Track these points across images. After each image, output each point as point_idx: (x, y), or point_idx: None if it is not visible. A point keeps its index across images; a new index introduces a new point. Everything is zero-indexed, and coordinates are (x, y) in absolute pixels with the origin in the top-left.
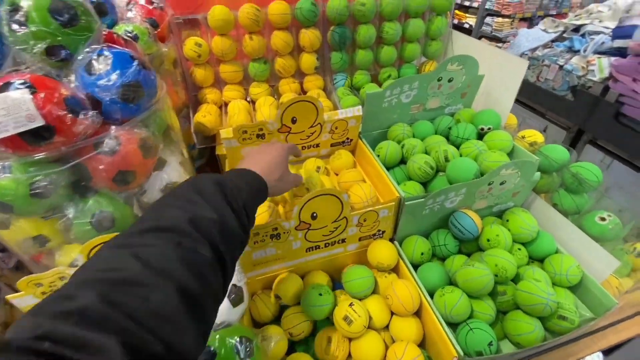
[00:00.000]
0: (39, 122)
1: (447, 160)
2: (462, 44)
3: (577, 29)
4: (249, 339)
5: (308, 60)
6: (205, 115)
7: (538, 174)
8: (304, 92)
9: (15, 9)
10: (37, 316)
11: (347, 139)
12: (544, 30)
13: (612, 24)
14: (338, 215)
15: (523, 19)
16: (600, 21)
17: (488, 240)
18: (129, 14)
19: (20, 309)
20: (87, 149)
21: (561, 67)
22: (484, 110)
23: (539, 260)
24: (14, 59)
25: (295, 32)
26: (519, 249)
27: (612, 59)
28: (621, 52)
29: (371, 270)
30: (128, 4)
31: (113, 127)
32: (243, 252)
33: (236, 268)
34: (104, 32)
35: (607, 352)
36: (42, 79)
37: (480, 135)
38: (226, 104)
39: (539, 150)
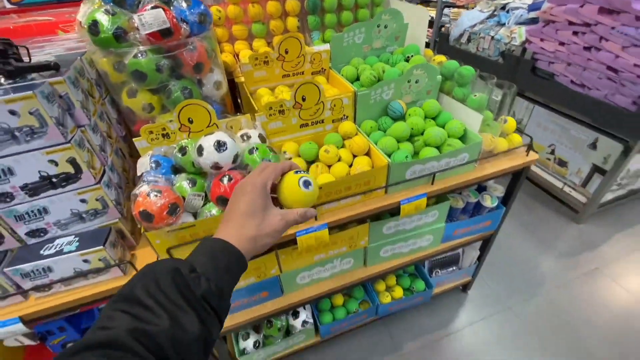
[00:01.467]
0: (167, 25)
1: (384, 72)
2: (397, 6)
3: (503, 7)
4: (273, 147)
5: (292, 22)
6: (226, 56)
7: (440, 77)
8: None
9: None
10: None
11: (322, 69)
12: (480, 11)
13: (529, 1)
14: (318, 99)
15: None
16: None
17: (409, 114)
18: None
19: (138, 150)
20: (182, 46)
21: (492, 37)
22: (408, 45)
23: (442, 127)
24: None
25: (282, 1)
26: (430, 120)
27: (527, 26)
28: (535, 22)
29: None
30: None
31: (194, 36)
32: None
33: (260, 125)
34: None
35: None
36: (163, 7)
37: (407, 61)
38: (237, 54)
39: (442, 65)
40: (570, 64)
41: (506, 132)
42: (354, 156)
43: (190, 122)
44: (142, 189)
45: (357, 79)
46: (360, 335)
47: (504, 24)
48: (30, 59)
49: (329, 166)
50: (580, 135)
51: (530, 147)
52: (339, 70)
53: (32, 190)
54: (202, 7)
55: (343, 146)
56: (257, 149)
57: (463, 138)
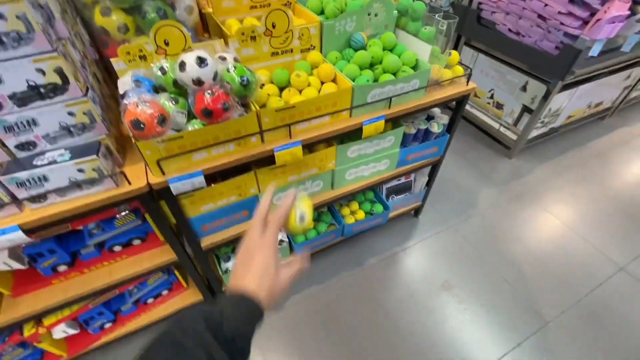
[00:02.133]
0: None
1: (346, 5)
2: None
3: None
4: (249, 68)
5: None
6: None
7: (396, 12)
8: None
9: None
10: None
11: (288, 2)
12: None
13: None
14: (287, 27)
15: None
16: None
17: (370, 45)
18: None
19: (116, 71)
20: None
21: None
22: None
23: (398, 57)
24: None
25: None
26: (387, 52)
27: None
28: None
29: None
30: None
31: None
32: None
33: (233, 50)
34: None
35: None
36: None
37: None
38: None
39: (398, 2)
40: (509, 13)
41: (450, 64)
42: (322, 83)
43: (167, 44)
44: (131, 100)
45: (322, 13)
46: (329, 255)
47: None
48: None
49: (300, 91)
50: (514, 79)
51: (469, 77)
52: (304, 3)
53: (21, 100)
54: None
55: (312, 74)
56: (235, 67)
57: (415, 68)
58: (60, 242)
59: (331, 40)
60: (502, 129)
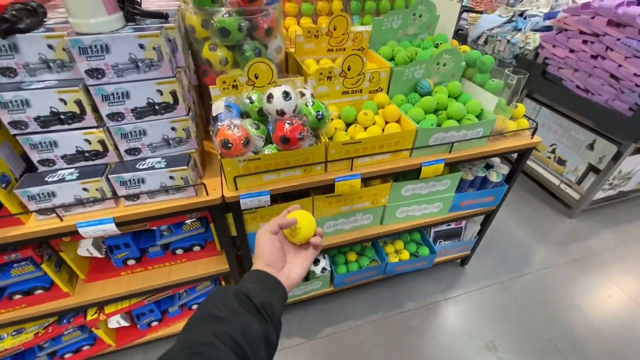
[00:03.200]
0: None
1: (416, 54)
2: None
3: (521, 14)
4: (324, 103)
5: (337, 5)
6: None
7: (464, 63)
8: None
9: None
10: None
11: (361, 47)
12: (499, 15)
13: (546, 10)
14: (360, 70)
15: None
16: (537, 7)
17: (436, 92)
18: None
19: (212, 96)
20: (259, 12)
21: (508, 41)
22: (439, 34)
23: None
24: None
25: None
26: (453, 99)
27: (542, 33)
28: (549, 29)
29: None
30: None
31: (269, 5)
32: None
33: (311, 86)
34: None
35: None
36: None
37: (436, 47)
38: (286, 29)
39: (466, 54)
40: (577, 70)
41: (516, 117)
42: (386, 123)
43: (256, 77)
44: (224, 122)
45: (392, 59)
46: (366, 292)
47: (520, 29)
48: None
49: (365, 128)
50: (579, 136)
51: (535, 131)
52: (376, 50)
53: (139, 113)
54: None
55: (377, 113)
56: (312, 102)
57: (479, 117)
58: (135, 239)
59: (399, 84)
60: (562, 186)
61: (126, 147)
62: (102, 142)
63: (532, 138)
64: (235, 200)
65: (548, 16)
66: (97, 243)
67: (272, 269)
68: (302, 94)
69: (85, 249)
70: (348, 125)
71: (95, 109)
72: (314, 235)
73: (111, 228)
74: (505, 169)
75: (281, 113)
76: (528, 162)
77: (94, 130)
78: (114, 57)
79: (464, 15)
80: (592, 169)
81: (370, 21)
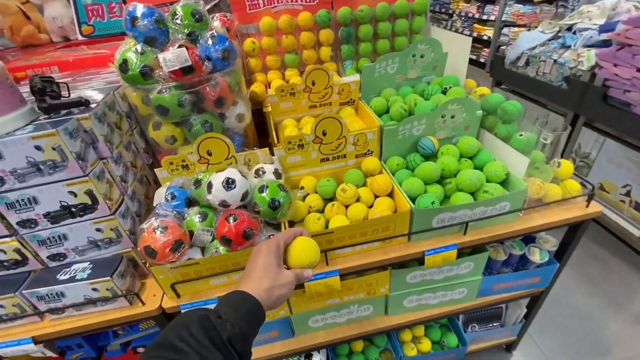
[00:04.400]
0: (189, 63)
1: (416, 105)
2: (437, 34)
3: (570, 28)
4: (284, 185)
5: (325, 52)
6: (256, 87)
7: (480, 112)
8: None
9: (174, 13)
10: None
11: (351, 99)
12: (542, 32)
13: (601, 21)
14: (340, 134)
15: None
16: (590, 19)
17: (442, 153)
18: (214, 23)
19: (159, 179)
20: (204, 82)
21: (555, 61)
22: (447, 76)
23: (480, 168)
24: (172, 38)
25: (316, 31)
26: (465, 160)
27: (598, 49)
28: (606, 44)
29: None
30: (212, 17)
31: (217, 72)
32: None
33: (277, 160)
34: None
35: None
36: (188, 45)
37: (445, 92)
38: (269, 83)
39: (484, 98)
40: None
41: (560, 178)
42: (376, 196)
43: (209, 154)
44: (150, 224)
45: (388, 110)
46: None
47: (569, 47)
48: (69, 94)
49: (347, 206)
50: None
51: (591, 197)
52: (370, 100)
53: (54, 218)
54: (226, 43)
55: (365, 184)
56: (267, 187)
57: (505, 183)
58: (89, 338)
59: (393, 144)
60: None
61: (47, 253)
62: (18, 251)
63: (587, 207)
64: (176, 310)
65: (604, 29)
66: (49, 343)
67: (258, 284)
68: (262, 172)
69: (37, 348)
70: (329, 200)
71: (3, 217)
72: (308, 266)
73: (31, 348)
74: (552, 243)
75: (224, 205)
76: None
77: (6, 239)
78: (9, 163)
79: (505, 30)
80: None
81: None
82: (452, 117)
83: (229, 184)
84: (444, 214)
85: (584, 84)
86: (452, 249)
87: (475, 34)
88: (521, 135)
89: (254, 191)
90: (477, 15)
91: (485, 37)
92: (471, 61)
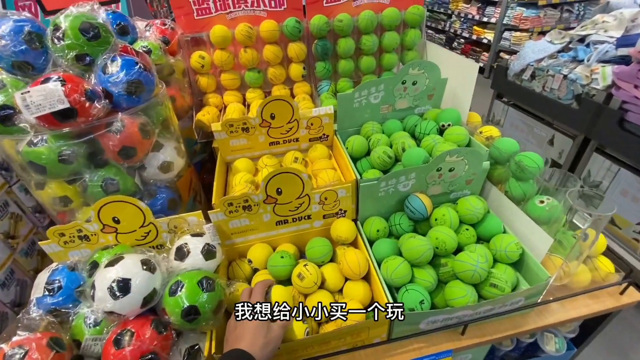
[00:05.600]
0: (66, 105)
1: (404, 150)
2: (435, 53)
3: (582, 40)
4: (211, 278)
5: (296, 70)
6: (204, 115)
7: (487, 163)
8: (293, 97)
9: (56, 28)
10: None
11: (324, 134)
12: (550, 42)
13: (618, 34)
14: (300, 192)
15: (542, 33)
16: (605, 31)
17: (436, 219)
18: (147, 34)
19: (49, 255)
20: (100, 127)
21: (565, 76)
22: (445, 109)
23: (486, 240)
24: (54, 62)
25: (283, 45)
26: (467, 229)
27: (615, 67)
28: (625, 61)
29: (330, 242)
30: (146, 26)
31: (120, 113)
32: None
33: (212, 231)
34: (120, 46)
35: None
36: (70, 76)
37: (442, 132)
38: (225, 107)
39: (493, 144)
40: None
41: (589, 255)
42: (347, 279)
43: (117, 222)
44: (4, 345)
45: (369, 152)
46: None
47: (581, 61)
48: None
49: (306, 295)
50: None
51: (629, 285)
52: (347, 137)
53: None
54: (135, 71)
55: (334, 258)
56: (182, 285)
57: (519, 265)
58: None
59: (372, 201)
60: None
61: None
62: None
63: (622, 294)
64: None
65: (622, 43)
66: None
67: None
68: (187, 253)
69: None
70: (287, 282)
71: None
72: None
73: None
74: (571, 328)
75: (114, 314)
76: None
77: None
78: None
79: (506, 34)
80: None
81: (349, 87)
82: (451, 170)
83: (119, 288)
84: (437, 317)
85: (597, 105)
86: (446, 357)
87: (474, 37)
88: (542, 202)
89: (166, 290)
90: (477, 17)
91: (485, 41)
92: None
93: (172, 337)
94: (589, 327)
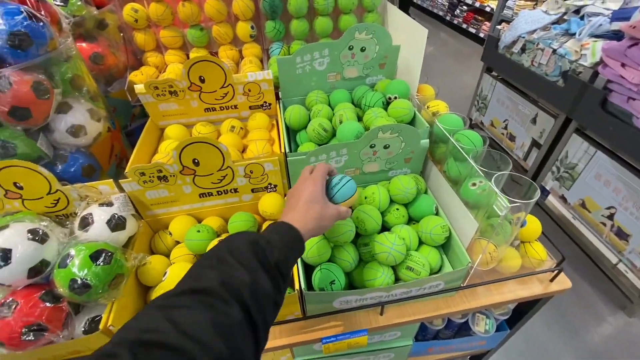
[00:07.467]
0: None
1: (341, 123)
2: (395, 17)
3: (578, 11)
4: (110, 251)
5: (243, 29)
6: (137, 75)
7: (426, 141)
8: (242, 59)
9: None
10: None
11: (265, 102)
12: (545, 12)
13: (616, 6)
14: (221, 164)
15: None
16: (602, 2)
17: (365, 197)
18: None
19: None
20: None
21: (554, 51)
22: (393, 81)
23: (416, 220)
24: None
25: (227, 1)
26: (397, 209)
27: (606, 42)
28: (617, 36)
29: (256, 217)
30: None
31: (4, 69)
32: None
33: (121, 200)
34: None
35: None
36: None
37: (388, 104)
38: (166, 67)
39: (436, 120)
40: None
41: (522, 240)
42: None
43: (20, 187)
44: None
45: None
46: None
47: (573, 34)
48: None
49: None
50: None
51: (558, 274)
52: (291, 104)
53: None
54: (18, 21)
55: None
56: (72, 257)
57: (447, 247)
58: None
59: None
60: (621, 266)
61: None
62: None
63: (552, 281)
64: None
65: (618, 16)
66: None
67: (305, 214)
68: (90, 222)
69: None
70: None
71: None
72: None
73: None
74: (504, 310)
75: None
76: (572, 221)
77: None
78: None
79: (509, 3)
80: None
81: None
82: (386, 147)
83: (5, 255)
84: (349, 297)
85: (582, 83)
86: (361, 335)
87: (477, 4)
88: (474, 185)
89: (57, 262)
90: None
91: (487, 9)
92: (470, 35)
93: (66, 309)
94: (522, 312)
